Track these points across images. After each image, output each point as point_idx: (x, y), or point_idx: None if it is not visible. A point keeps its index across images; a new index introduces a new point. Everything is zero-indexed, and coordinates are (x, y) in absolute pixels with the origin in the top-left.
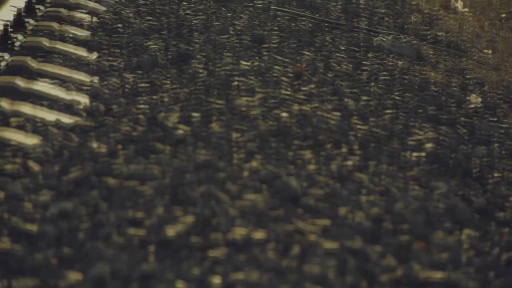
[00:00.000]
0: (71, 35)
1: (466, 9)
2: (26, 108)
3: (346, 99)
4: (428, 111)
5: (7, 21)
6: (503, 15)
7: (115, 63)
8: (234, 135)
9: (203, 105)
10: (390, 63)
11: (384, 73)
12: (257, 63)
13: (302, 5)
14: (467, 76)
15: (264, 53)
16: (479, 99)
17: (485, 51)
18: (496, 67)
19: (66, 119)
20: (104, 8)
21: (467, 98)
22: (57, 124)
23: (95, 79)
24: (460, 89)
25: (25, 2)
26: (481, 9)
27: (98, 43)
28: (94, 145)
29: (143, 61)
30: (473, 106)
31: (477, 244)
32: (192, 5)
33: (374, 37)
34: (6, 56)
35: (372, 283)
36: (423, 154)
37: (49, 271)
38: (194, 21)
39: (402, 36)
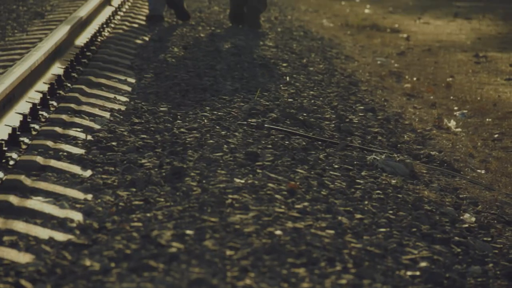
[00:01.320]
0: (65, 153)
1: (459, 129)
2: (19, 226)
3: (340, 217)
4: (422, 230)
5: (2, 139)
6: (496, 135)
7: (109, 181)
8: (228, 252)
9: (196, 222)
10: (383, 181)
11: (378, 191)
12: (251, 180)
13: (296, 123)
14: (460, 195)
15: (258, 170)
16: (473, 218)
17: (478, 170)
18: (490, 187)
19: (60, 236)
20: (98, 126)
21: (461, 217)
22: (50, 242)
23: (89, 196)
24: (453, 208)
25: (20, 120)
26: (474, 129)
27: (92, 161)
28: (87, 262)
29: (137, 178)
30: (467, 225)
31: None
32: (186, 123)
33: (367, 155)
34: (0, 174)
35: None
36: (418, 272)
37: None
38: (188, 138)
39: (396, 155)
